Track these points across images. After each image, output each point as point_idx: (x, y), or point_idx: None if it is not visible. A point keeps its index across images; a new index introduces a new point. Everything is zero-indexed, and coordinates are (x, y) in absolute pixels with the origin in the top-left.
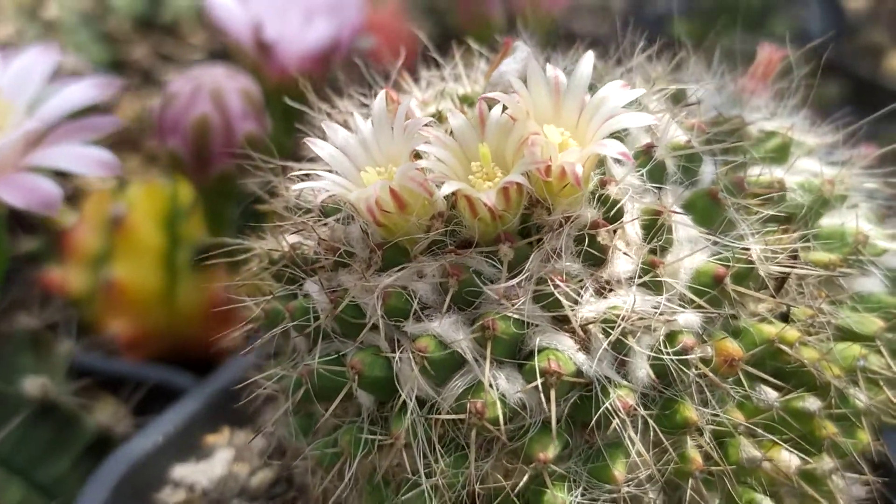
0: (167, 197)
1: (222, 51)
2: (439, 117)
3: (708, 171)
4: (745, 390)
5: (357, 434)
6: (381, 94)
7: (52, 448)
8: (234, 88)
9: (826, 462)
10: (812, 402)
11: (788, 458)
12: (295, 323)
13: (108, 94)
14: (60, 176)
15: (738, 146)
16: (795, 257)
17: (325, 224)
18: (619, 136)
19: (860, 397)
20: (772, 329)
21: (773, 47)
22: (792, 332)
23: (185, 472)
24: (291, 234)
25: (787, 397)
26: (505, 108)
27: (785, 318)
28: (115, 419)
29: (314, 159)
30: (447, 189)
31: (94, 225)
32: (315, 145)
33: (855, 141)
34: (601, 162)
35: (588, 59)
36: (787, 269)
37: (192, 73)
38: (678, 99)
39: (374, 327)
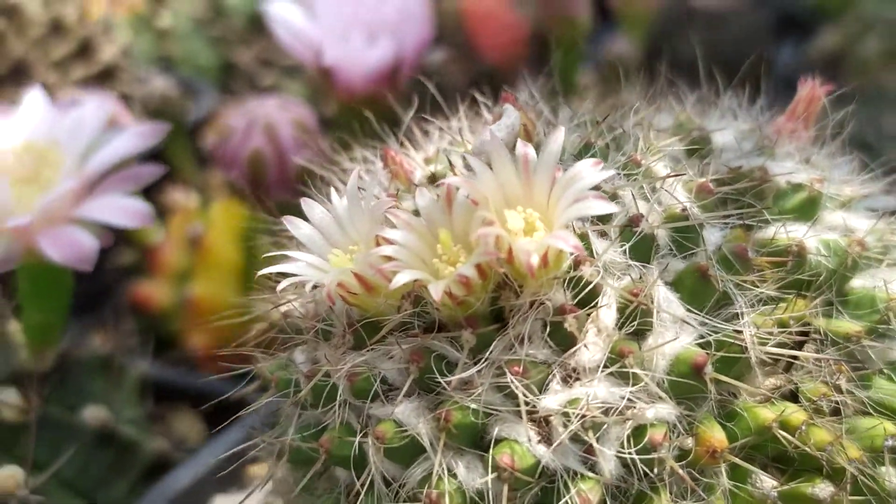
0: (244, 215)
1: None
2: (435, 180)
3: (713, 240)
4: (735, 482)
5: None
6: (354, 171)
7: (112, 471)
8: (286, 120)
9: None
10: (822, 489)
11: None
12: (280, 392)
13: (151, 142)
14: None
15: (753, 206)
16: (807, 332)
17: (312, 294)
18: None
19: (891, 479)
20: (769, 414)
21: (816, 82)
22: (797, 415)
23: (224, 503)
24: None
25: (791, 485)
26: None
27: (794, 397)
28: (190, 432)
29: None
30: (401, 279)
31: (178, 242)
32: (292, 224)
33: None
34: (582, 236)
35: (558, 135)
36: (784, 353)
37: (247, 107)
38: (699, 146)
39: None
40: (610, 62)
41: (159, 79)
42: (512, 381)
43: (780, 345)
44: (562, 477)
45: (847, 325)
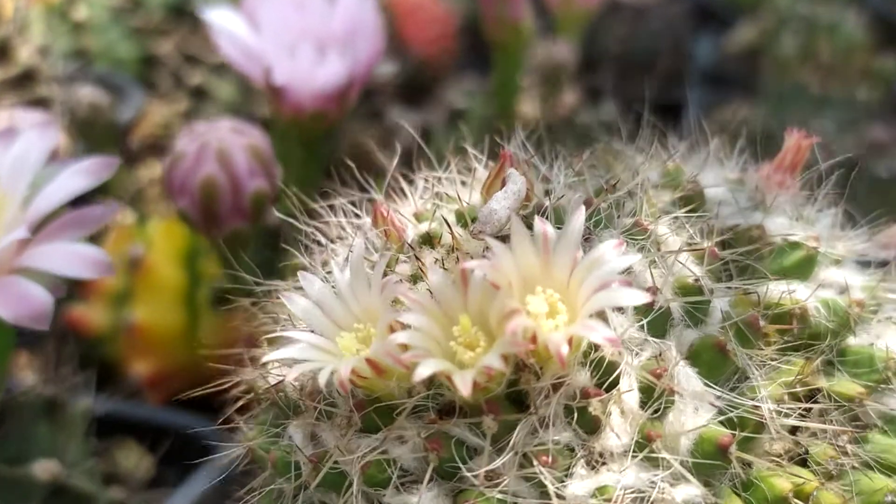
0: (186, 234)
1: None
2: (430, 240)
3: (718, 307)
4: None
5: None
6: (359, 244)
7: None
8: (241, 145)
9: None
10: None
11: None
12: (278, 473)
13: (103, 177)
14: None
15: (755, 269)
16: (813, 395)
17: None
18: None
19: None
20: (785, 484)
21: (802, 133)
22: (809, 485)
23: None
24: (273, 371)
25: None
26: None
27: (803, 462)
28: (137, 468)
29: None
30: (424, 371)
31: (114, 263)
32: (290, 301)
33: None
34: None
35: (579, 215)
36: (805, 425)
37: (198, 130)
38: (695, 202)
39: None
40: (551, 66)
41: (87, 87)
42: (540, 471)
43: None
44: None
45: (850, 385)
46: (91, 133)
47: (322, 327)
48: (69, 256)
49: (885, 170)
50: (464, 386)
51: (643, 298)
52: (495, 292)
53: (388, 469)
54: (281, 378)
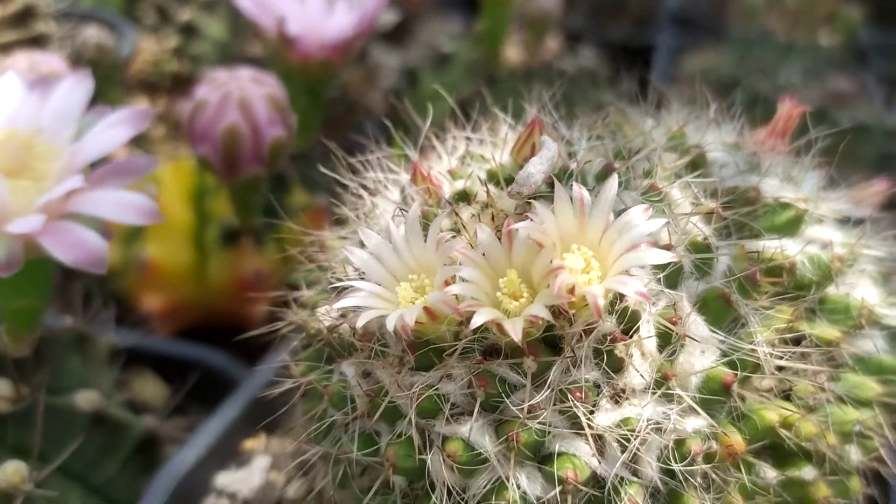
0: (194, 174)
1: None
2: (466, 197)
3: (723, 262)
4: (746, 474)
5: None
6: (415, 208)
7: (104, 453)
8: (261, 95)
9: None
10: (808, 472)
11: None
12: (333, 405)
13: (142, 126)
14: None
15: (751, 227)
16: (800, 340)
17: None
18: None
19: (852, 457)
20: (774, 415)
21: (794, 101)
22: (793, 416)
23: (226, 480)
24: (327, 315)
25: (785, 472)
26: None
27: (787, 396)
28: (154, 397)
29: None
30: (480, 319)
31: None
32: (352, 254)
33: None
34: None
35: (612, 182)
36: (791, 365)
37: (220, 79)
38: (698, 165)
39: (405, 418)
40: (538, 13)
41: (92, 28)
42: (574, 405)
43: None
44: (612, 483)
45: (829, 330)
46: (97, 73)
47: (380, 277)
48: (119, 203)
49: (849, 120)
50: (514, 332)
51: (668, 258)
52: (538, 249)
53: (439, 403)
54: (334, 322)
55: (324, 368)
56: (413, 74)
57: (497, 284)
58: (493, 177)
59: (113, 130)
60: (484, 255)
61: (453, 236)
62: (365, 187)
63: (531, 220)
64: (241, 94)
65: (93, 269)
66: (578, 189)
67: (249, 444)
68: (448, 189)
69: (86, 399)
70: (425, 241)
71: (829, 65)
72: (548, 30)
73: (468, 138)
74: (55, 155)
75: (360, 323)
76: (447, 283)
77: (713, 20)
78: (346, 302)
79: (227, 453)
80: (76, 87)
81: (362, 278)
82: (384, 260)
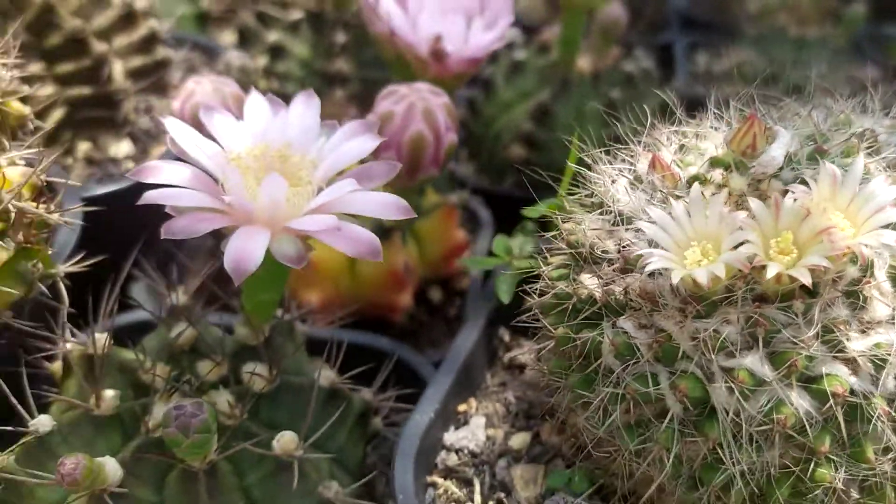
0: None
1: None
2: (701, 179)
3: None
4: None
5: (671, 434)
6: (696, 188)
7: (336, 423)
8: (440, 105)
9: None
10: None
11: None
12: (619, 355)
13: (378, 139)
14: None
15: None
16: None
17: (631, 276)
18: None
19: None
20: None
21: None
22: None
23: (453, 438)
24: (591, 279)
25: None
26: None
27: None
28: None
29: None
30: (772, 271)
31: None
32: (644, 227)
33: None
34: None
35: (859, 162)
36: None
37: (400, 92)
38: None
39: (685, 358)
40: (609, 22)
41: (233, 52)
42: (840, 334)
43: None
44: (863, 397)
45: None
46: None
47: (668, 245)
48: (379, 203)
49: None
50: (805, 278)
51: None
52: (805, 215)
53: (726, 342)
54: (617, 286)
55: (595, 327)
56: (488, 83)
57: (769, 245)
58: (718, 163)
59: (359, 143)
60: (758, 222)
61: (731, 210)
62: (608, 175)
63: (793, 193)
64: (425, 105)
65: (372, 258)
66: (831, 167)
67: (462, 407)
68: (684, 175)
69: (325, 377)
70: (706, 215)
71: (838, 58)
72: (616, 36)
73: (681, 133)
74: (310, 163)
75: (675, 279)
76: (736, 246)
77: (717, 19)
78: (655, 264)
79: (447, 417)
80: (309, 105)
81: (655, 247)
82: (669, 230)
